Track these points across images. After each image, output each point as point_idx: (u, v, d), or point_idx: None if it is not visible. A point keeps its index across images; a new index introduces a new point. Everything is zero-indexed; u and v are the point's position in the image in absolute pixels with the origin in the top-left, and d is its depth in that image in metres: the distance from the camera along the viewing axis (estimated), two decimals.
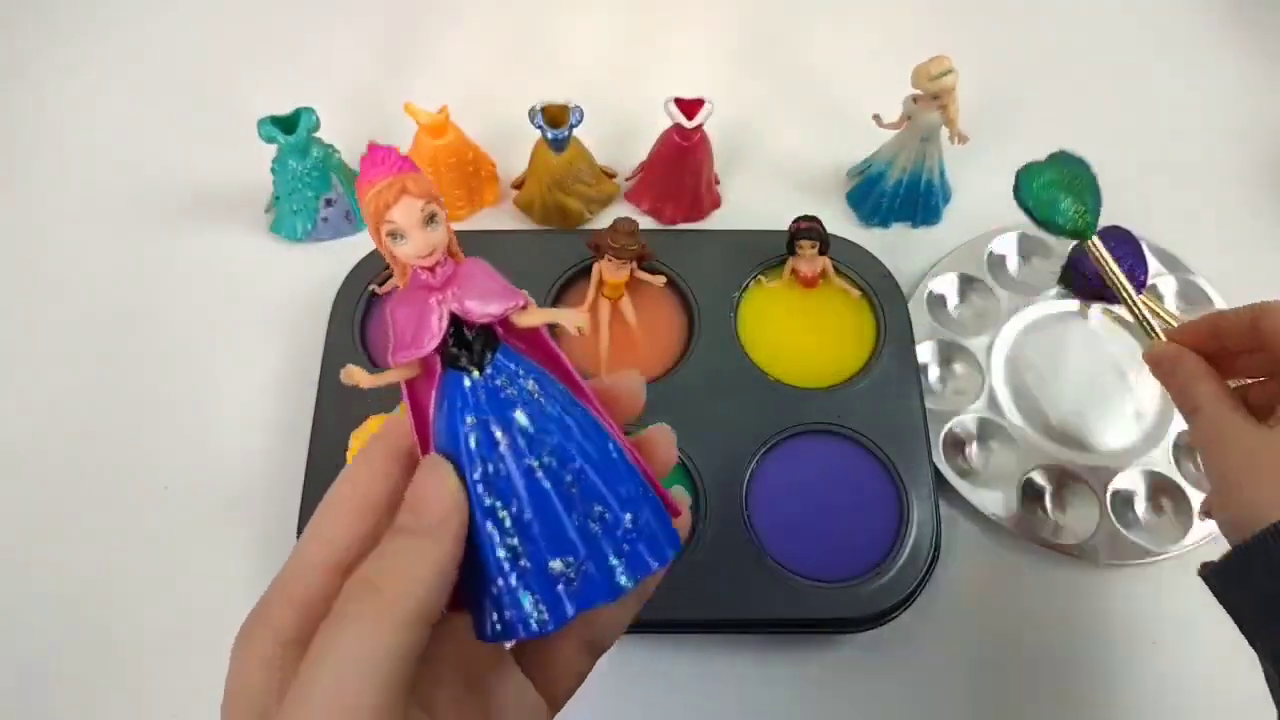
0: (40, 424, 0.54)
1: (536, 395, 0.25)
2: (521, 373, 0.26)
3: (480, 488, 0.25)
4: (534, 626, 0.24)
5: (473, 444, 0.25)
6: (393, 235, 0.25)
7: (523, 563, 0.24)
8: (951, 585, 0.50)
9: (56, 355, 0.57)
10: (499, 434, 0.25)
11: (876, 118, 0.58)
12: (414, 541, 0.24)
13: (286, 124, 0.56)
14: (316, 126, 0.57)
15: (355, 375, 0.25)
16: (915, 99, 0.57)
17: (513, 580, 0.24)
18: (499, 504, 0.24)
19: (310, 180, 0.58)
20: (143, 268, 0.60)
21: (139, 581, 0.50)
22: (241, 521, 0.51)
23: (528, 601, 0.24)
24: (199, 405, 0.55)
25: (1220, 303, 0.59)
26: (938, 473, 0.52)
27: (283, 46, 0.71)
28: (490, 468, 0.25)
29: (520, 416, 0.25)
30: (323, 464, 0.50)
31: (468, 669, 0.27)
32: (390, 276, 0.55)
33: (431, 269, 0.25)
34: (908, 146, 0.59)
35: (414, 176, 0.25)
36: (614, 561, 0.25)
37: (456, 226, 0.31)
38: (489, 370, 0.25)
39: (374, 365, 0.54)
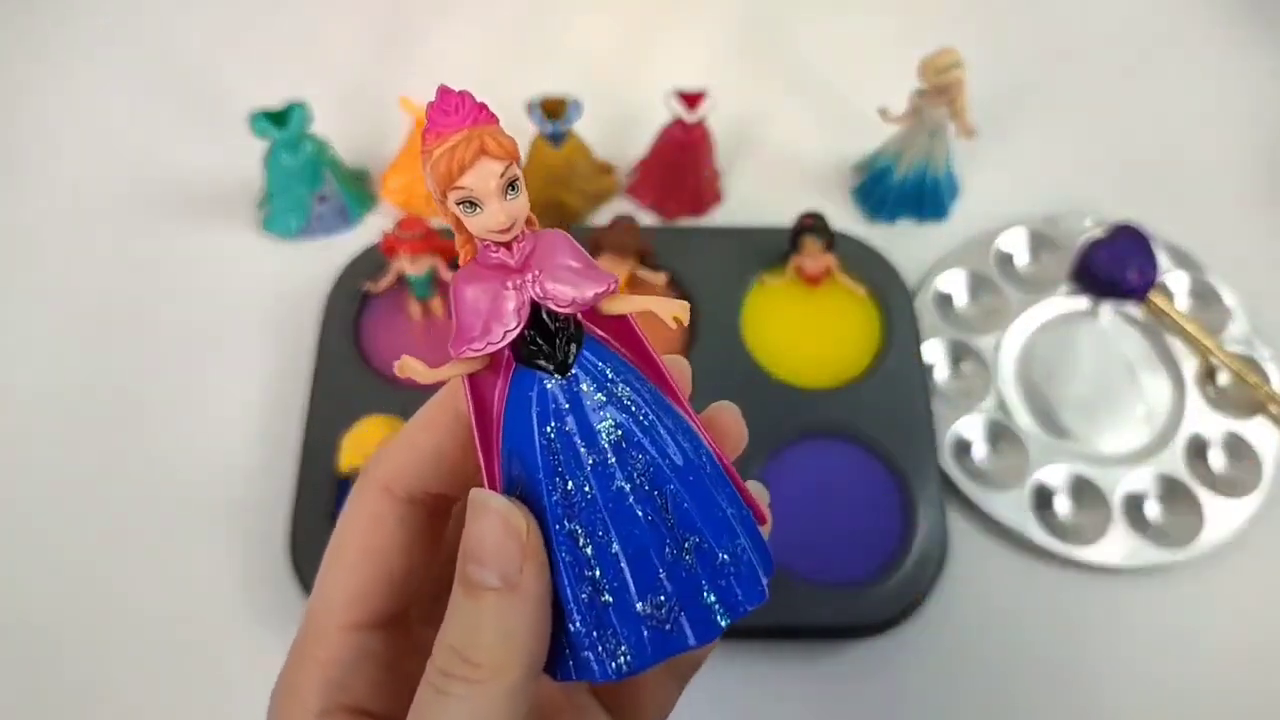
0: (24, 423, 0.53)
1: (628, 401, 0.22)
2: (610, 373, 0.22)
3: (560, 510, 0.21)
4: (612, 671, 0.21)
5: (552, 459, 0.21)
6: (464, 204, 0.20)
7: (604, 598, 0.21)
8: (960, 590, 0.49)
9: (42, 354, 0.55)
10: (584, 449, 0.21)
11: (883, 112, 0.57)
12: (500, 601, 0.21)
13: (279, 118, 0.55)
14: (310, 121, 0.55)
15: (411, 367, 0.21)
16: (922, 93, 0.56)
17: (591, 618, 0.21)
18: (580, 530, 0.21)
19: (303, 176, 0.57)
20: (131, 266, 0.59)
21: (127, 582, 0.49)
22: (232, 524, 0.50)
23: (608, 642, 0.21)
24: (188, 405, 0.54)
25: (1231, 300, 0.57)
26: (945, 475, 0.51)
27: (275, 39, 0.70)
28: (572, 487, 0.21)
29: (609, 428, 0.21)
30: (314, 466, 0.49)
31: (542, 707, 0.25)
32: (385, 274, 0.54)
33: (508, 245, 0.21)
34: (914, 141, 0.58)
35: (493, 131, 0.20)
36: (708, 600, 0.22)
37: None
38: (573, 370, 0.22)
39: (367, 366, 0.53)
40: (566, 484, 0.21)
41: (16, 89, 0.67)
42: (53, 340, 0.56)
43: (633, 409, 0.22)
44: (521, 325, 0.21)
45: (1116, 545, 0.49)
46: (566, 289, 0.21)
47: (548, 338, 0.22)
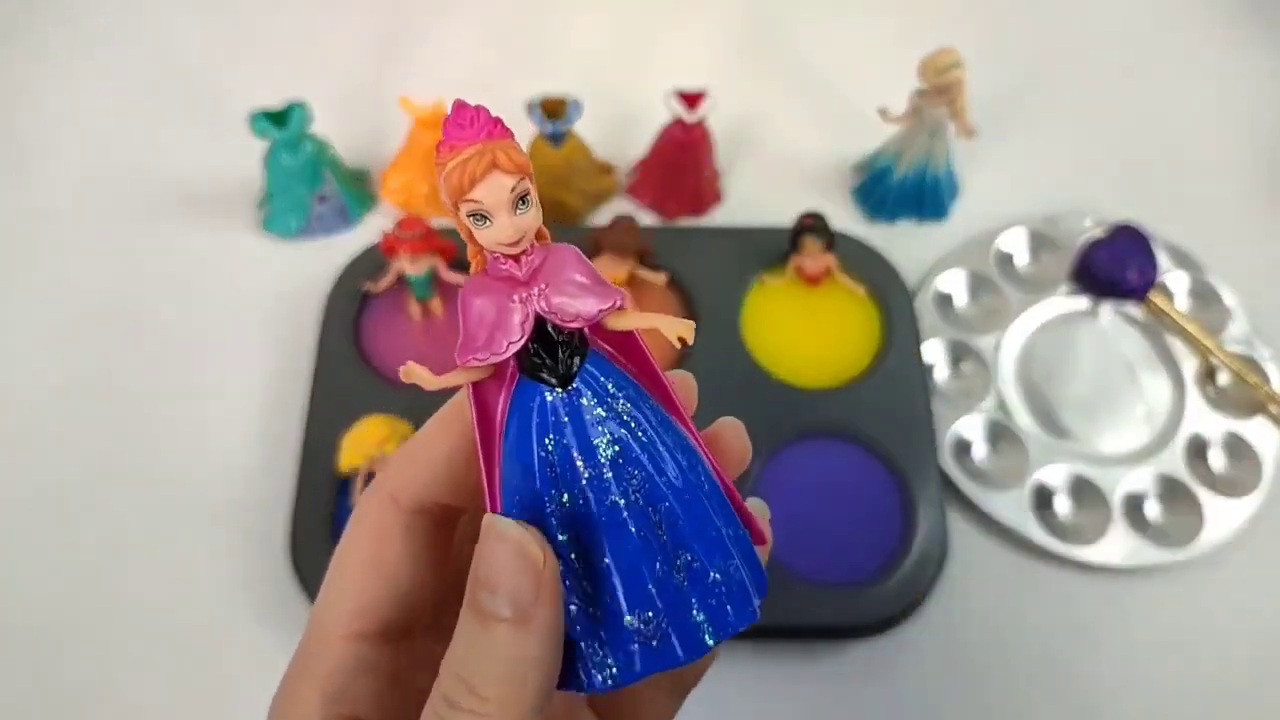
0: (24, 423, 0.53)
1: (627, 417, 0.22)
2: (612, 388, 0.22)
3: (554, 520, 0.21)
4: (598, 683, 0.21)
5: (550, 471, 0.21)
6: (475, 216, 0.21)
7: (593, 610, 0.21)
8: (960, 590, 0.49)
9: (42, 355, 0.55)
10: (581, 463, 0.21)
11: (883, 112, 0.57)
12: (511, 633, 0.20)
13: (279, 118, 0.55)
14: (310, 121, 0.55)
15: (417, 374, 0.22)
16: (922, 93, 0.55)
17: (579, 629, 0.21)
18: (573, 542, 0.21)
19: (303, 176, 0.57)
20: (131, 266, 0.59)
21: (126, 582, 0.49)
22: (232, 524, 0.50)
23: (596, 655, 0.21)
24: (188, 405, 0.54)
25: (1231, 300, 0.57)
26: (945, 475, 0.51)
27: (275, 39, 0.70)
28: (568, 499, 0.21)
29: (607, 443, 0.21)
30: (314, 466, 0.49)
31: None
32: (385, 274, 0.54)
33: (516, 258, 0.22)
34: (914, 141, 0.58)
35: (506, 145, 0.21)
36: (697, 618, 0.22)
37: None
38: (575, 384, 0.22)
39: (367, 366, 0.53)
40: (563, 496, 0.21)
41: (16, 89, 0.67)
42: (53, 340, 0.56)
43: (632, 425, 0.22)
44: (525, 338, 0.22)
45: (1116, 545, 0.49)
46: (571, 304, 0.21)
47: (551, 351, 0.22)
